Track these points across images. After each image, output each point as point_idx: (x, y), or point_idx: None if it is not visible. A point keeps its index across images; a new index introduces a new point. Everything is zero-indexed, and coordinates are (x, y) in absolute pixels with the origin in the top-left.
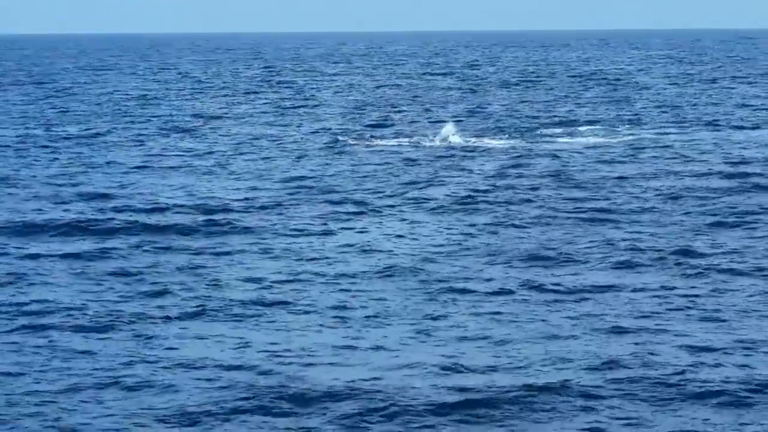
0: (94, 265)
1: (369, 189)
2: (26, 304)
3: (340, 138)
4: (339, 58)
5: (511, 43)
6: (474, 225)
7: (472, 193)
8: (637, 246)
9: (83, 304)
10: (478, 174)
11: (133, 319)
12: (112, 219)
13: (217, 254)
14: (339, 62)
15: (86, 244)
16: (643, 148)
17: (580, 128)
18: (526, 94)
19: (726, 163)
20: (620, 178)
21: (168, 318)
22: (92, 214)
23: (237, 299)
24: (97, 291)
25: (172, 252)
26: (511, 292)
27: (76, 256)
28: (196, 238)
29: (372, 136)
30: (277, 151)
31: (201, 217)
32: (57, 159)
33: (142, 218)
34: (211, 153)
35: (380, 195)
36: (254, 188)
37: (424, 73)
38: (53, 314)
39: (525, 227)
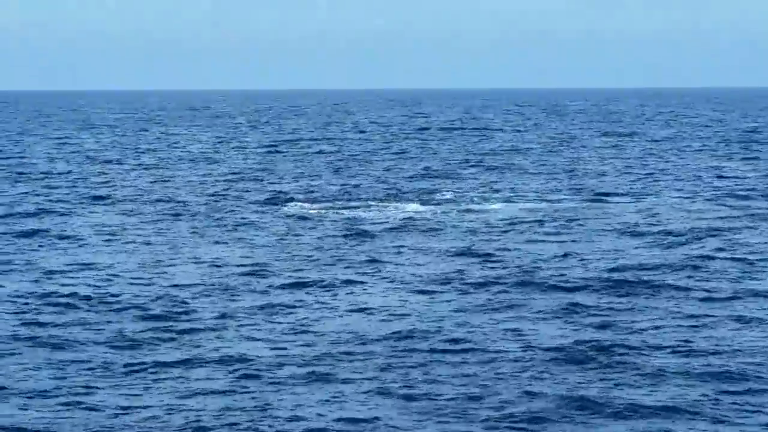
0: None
1: (323, 262)
2: None
3: (282, 205)
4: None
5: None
6: (434, 298)
7: (429, 266)
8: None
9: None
10: (434, 248)
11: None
12: (62, 298)
13: (187, 331)
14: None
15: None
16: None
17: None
18: (414, 157)
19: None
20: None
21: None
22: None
23: (218, 385)
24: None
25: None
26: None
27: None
28: (162, 324)
29: (301, 203)
30: (211, 222)
31: (167, 301)
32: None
33: (93, 305)
34: (143, 230)
35: (338, 267)
36: (201, 269)
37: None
38: None
39: (490, 302)
